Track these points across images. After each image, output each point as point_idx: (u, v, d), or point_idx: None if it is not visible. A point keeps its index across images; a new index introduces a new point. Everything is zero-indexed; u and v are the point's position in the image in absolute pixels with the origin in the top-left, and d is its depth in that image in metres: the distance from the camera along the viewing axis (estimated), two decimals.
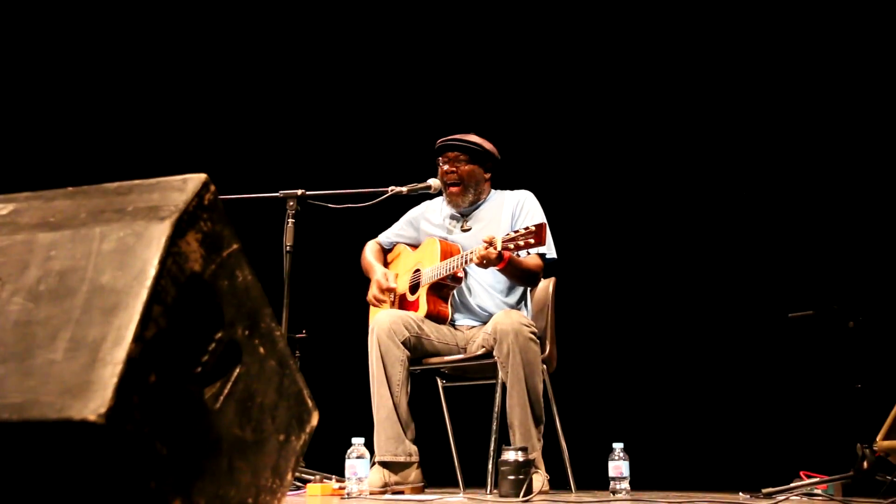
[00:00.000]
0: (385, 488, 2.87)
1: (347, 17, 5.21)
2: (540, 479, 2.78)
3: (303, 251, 2.97)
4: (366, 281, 3.42)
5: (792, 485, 2.67)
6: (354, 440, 2.67)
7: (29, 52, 5.03)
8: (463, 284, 3.18)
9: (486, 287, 3.19)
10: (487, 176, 3.30)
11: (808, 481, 2.70)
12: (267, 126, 5.19)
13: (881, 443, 2.56)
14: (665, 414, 4.53)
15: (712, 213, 4.66)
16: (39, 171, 4.56)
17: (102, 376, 1.20)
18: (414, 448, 2.95)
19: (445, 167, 3.24)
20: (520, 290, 3.21)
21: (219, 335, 1.44)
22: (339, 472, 2.83)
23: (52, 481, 1.26)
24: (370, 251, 3.47)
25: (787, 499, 2.50)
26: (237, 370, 1.47)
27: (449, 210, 3.35)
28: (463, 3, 5.05)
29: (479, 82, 5.04)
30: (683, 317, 4.59)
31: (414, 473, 2.94)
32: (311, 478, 2.91)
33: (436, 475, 3.21)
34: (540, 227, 2.72)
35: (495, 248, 2.78)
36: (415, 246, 3.42)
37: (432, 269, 3.14)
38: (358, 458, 2.64)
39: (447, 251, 3.16)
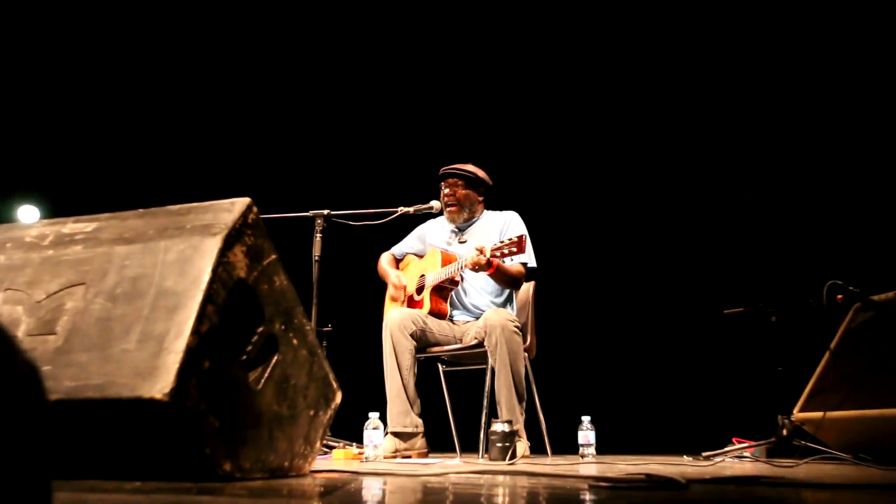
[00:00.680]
0: (396, 453, 2.87)
1: (368, 69, 5.28)
2: (522, 446, 2.78)
3: (328, 260, 2.98)
4: (380, 285, 3.43)
5: (726, 449, 2.68)
6: (371, 414, 2.67)
7: (113, 98, 5.11)
8: (460, 287, 3.18)
9: (478, 289, 3.19)
10: (481, 199, 3.30)
11: (738, 446, 2.70)
12: (300, 157, 5.32)
13: (797, 414, 2.57)
14: (625, 392, 4.57)
15: (663, 229, 4.71)
16: (117, 194, 4.68)
17: (167, 363, 1.21)
18: (419, 420, 2.95)
19: (446, 191, 3.25)
20: (506, 291, 3.20)
21: (260, 329, 1.45)
22: (359, 440, 2.83)
23: (127, 447, 1.27)
24: (385, 260, 3.48)
25: (722, 460, 2.50)
26: (275, 358, 1.48)
27: (449, 226, 3.35)
28: (460, 53, 5.10)
29: (475, 122, 5.11)
30: (639, 314, 4.70)
31: (420, 441, 2.94)
32: (336, 445, 2.91)
33: (437, 443, 3.20)
34: (521, 238, 2.73)
35: (485, 255, 2.80)
36: (421, 256, 3.42)
37: (435, 275, 3.15)
38: (374, 429, 2.64)
39: (447, 259, 3.16)
